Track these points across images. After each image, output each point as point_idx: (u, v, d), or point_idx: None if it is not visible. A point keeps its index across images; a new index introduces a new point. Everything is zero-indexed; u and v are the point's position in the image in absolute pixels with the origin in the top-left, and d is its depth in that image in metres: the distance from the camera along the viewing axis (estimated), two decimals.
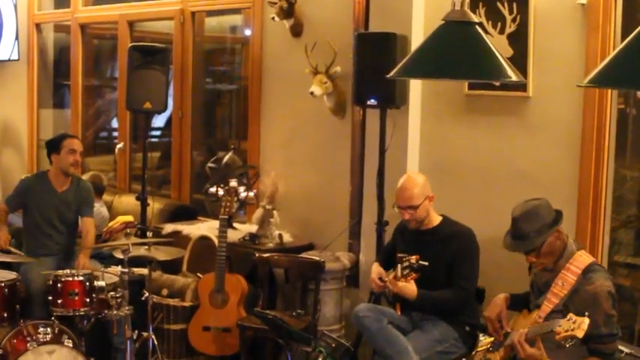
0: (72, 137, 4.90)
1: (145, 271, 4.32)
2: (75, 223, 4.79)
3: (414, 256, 3.56)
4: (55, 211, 4.71)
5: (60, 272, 4.10)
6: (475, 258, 3.77)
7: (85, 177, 5.52)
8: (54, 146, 4.76)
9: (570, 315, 2.80)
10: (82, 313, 4.01)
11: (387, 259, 3.96)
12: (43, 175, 4.85)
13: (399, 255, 3.67)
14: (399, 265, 3.61)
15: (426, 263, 3.54)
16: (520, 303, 3.35)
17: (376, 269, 3.91)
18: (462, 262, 3.71)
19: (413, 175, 3.92)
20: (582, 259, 3.10)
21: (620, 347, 3.15)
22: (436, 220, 3.87)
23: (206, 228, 5.23)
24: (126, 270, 3.95)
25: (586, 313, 2.78)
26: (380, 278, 3.82)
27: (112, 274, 4.19)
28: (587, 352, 2.99)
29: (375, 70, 4.14)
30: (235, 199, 4.82)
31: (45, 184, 4.76)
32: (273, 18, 5.02)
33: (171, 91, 5.87)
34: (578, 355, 3.00)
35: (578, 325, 2.74)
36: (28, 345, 3.84)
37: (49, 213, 4.71)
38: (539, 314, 3.08)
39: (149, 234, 4.76)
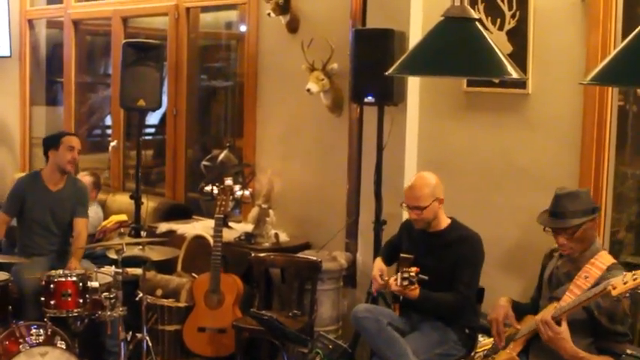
0: (71, 135, 4.87)
1: (139, 271, 4.27)
2: (69, 224, 4.74)
3: (413, 268, 3.51)
4: (49, 210, 4.66)
5: (53, 272, 4.06)
6: (477, 265, 3.69)
7: (85, 174, 5.50)
8: (53, 142, 4.70)
9: (625, 273, 2.77)
10: (75, 314, 3.97)
11: (391, 254, 3.90)
12: (36, 174, 4.80)
13: (402, 255, 3.62)
14: (399, 274, 3.56)
15: (426, 277, 3.50)
16: (520, 311, 3.30)
17: (378, 265, 3.84)
18: (464, 268, 3.64)
19: (425, 175, 3.79)
20: (607, 257, 3.11)
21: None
22: (444, 222, 3.77)
23: (201, 227, 5.20)
24: (119, 270, 3.91)
25: None
26: (381, 276, 3.76)
27: (105, 275, 4.14)
28: (597, 351, 2.96)
29: (373, 66, 4.10)
30: (231, 197, 4.78)
31: (38, 184, 4.70)
32: (269, 14, 4.97)
33: (165, 88, 5.81)
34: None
35: None
36: (21, 347, 3.82)
37: (42, 213, 4.65)
38: (560, 305, 3.03)
39: (143, 233, 4.71)
